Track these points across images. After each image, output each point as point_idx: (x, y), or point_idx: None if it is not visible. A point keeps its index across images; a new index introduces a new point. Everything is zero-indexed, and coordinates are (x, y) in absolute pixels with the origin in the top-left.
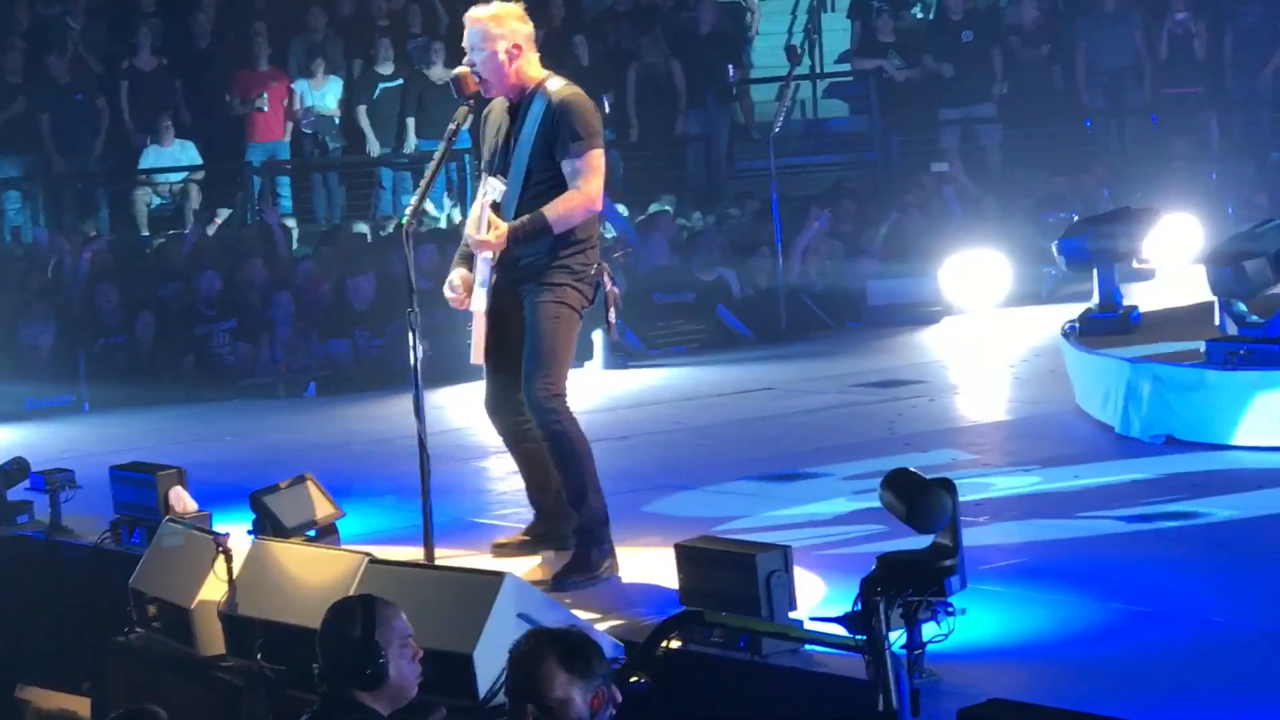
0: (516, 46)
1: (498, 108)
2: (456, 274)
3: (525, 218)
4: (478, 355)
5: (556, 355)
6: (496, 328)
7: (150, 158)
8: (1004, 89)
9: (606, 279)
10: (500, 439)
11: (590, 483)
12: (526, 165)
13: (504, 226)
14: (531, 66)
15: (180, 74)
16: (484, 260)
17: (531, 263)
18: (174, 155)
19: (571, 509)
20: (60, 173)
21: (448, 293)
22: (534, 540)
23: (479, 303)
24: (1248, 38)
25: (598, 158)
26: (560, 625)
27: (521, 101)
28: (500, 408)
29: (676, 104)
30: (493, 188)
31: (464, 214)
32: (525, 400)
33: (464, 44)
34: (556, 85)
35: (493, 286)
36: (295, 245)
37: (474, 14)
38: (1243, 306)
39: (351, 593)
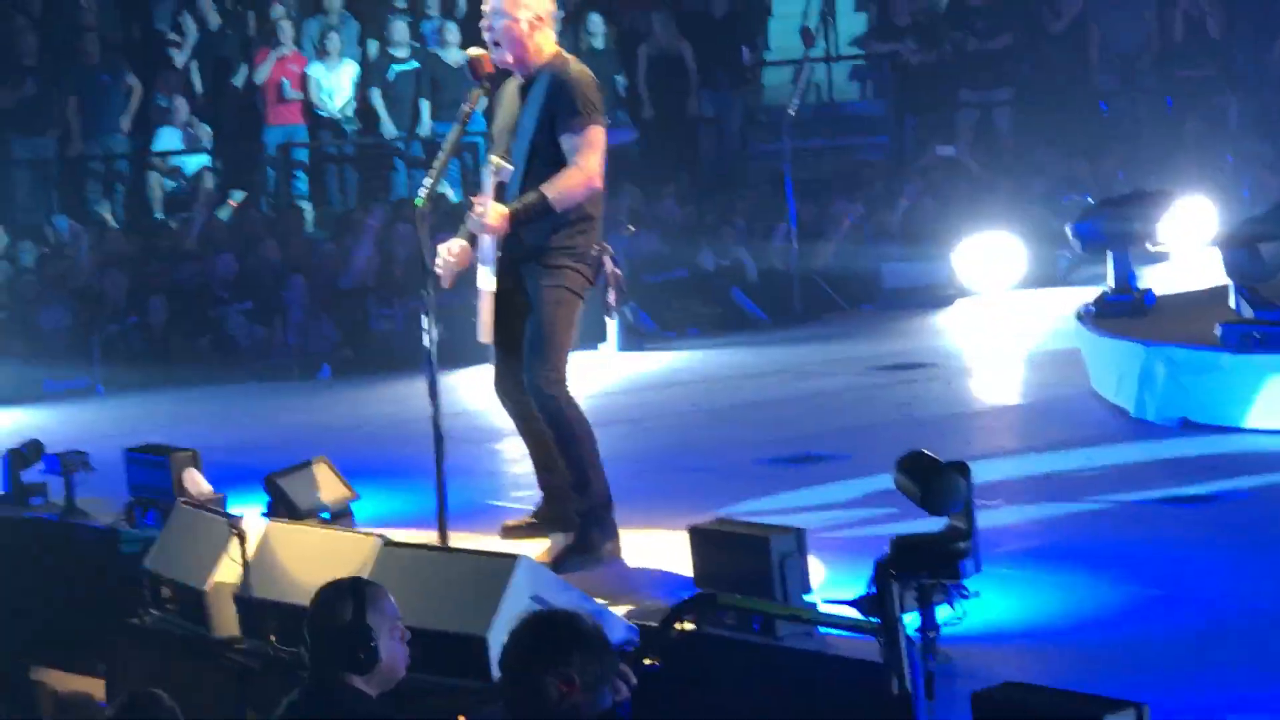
0: (539, 18)
1: (510, 88)
2: (455, 242)
3: (525, 198)
4: (485, 334)
5: (556, 340)
6: (503, 307)
7: (164, 140)
8: (1019, 72)
9: (608, 260)
10: (511, 420)
11: (591, 466)
12: (531, 144)
13: (503, 209)
14: (548, 44)
15: (194, 55)
16: (489, 239)
17: (534, 243)
18: (189, 137)
19: (574, 492)
20: (73, 155)
21: (439, 260)
22: (542, 523)
23: (486, 282)
24: (1254, 16)
25: (597, 134)
26: (571, 607)
27: (531, 79)
28: (509, 388)
29: (688, 86)
30: (498, 168)
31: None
32: (526, 385)
33: (485, 8)
34: (562, 63)
35: (496, 264)
36: (311, 228)
37: None
38: (1258, 289)
39: (368, 575)
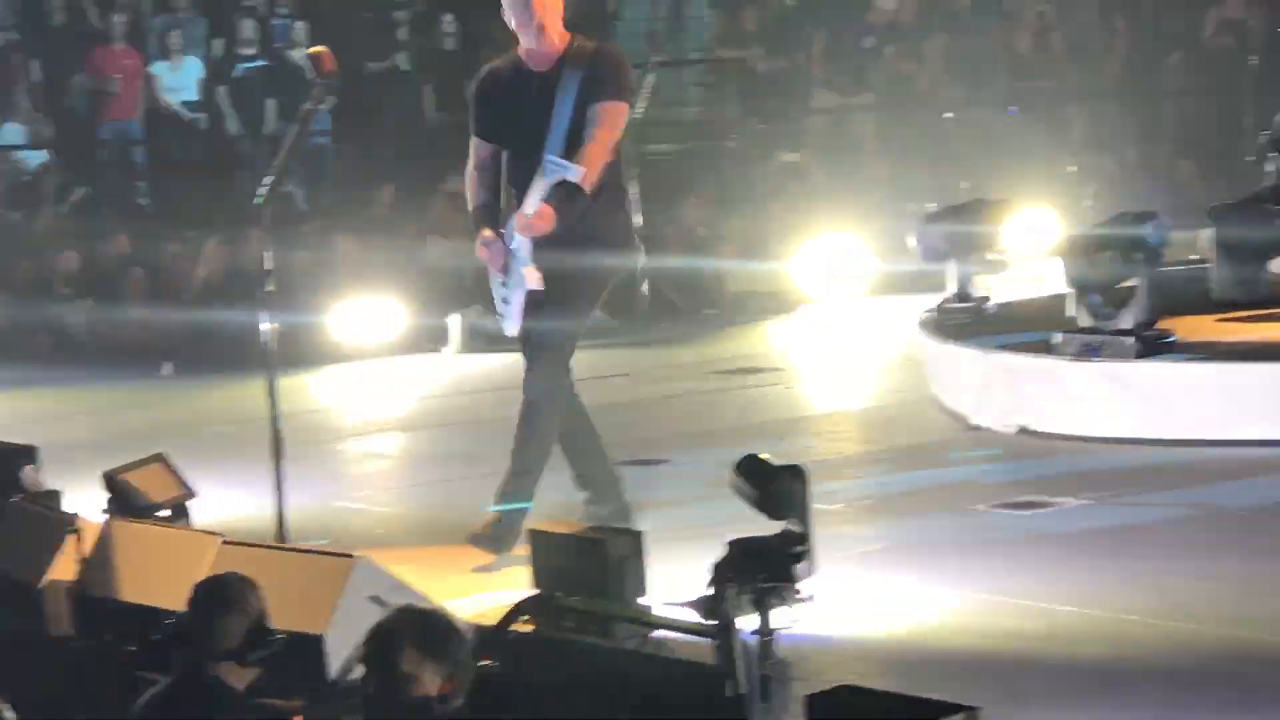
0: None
1: (506, 74)
2: (485, 233)
3: (558, 194)
4: (515, 329)
5: (571, 342)
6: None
7: (6, 135)
8: (867, 80)
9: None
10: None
11: (535, 468)
12: (569, 134)
13: (549, 209)
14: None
15: (35, 49)
16: (528, 238)
17: (575, 234)
18: (30, 132)
19: (510, 475)
20: None
21: (482, 250)
22: (593, 519)
23: (533, 280)
24: (1097, 31)
25: (622, 112)
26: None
27: (555, 65)
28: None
29: None
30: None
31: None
32: (526, 374)
33: None
34: (592, 42)
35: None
36: (154, 225)
37: None
38: (1097, 298)
39: (205, 574)
